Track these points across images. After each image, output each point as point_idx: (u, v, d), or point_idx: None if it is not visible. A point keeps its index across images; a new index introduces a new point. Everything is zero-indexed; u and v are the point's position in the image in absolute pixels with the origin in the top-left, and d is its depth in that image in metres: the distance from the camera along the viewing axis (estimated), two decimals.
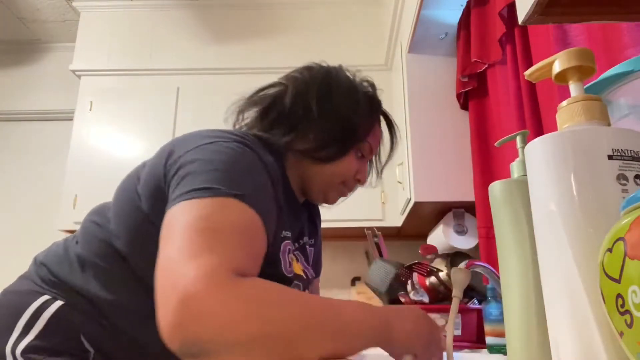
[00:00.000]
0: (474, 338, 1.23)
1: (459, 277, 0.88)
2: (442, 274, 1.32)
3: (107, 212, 0.72)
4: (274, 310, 0.48)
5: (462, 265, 0.92)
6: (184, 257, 0.49)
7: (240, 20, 2.72)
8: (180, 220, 0.54)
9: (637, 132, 0.43)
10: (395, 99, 2.26)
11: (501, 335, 0.95)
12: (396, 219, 2.31)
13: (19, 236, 2.88)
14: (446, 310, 1.20)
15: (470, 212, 1.87)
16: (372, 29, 2.64)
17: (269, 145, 0.75)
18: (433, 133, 1.89)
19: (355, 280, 2.54)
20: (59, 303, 0.66)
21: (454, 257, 1.85)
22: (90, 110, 2.55)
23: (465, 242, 1.87)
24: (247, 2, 2.74)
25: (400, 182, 2.13)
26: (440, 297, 1.38)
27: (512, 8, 1.35)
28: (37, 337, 0.63)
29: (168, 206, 0.58)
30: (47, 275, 0.69)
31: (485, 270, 0.96)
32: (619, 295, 0.31)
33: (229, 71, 2.56)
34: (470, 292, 1.43)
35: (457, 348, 1.17)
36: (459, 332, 1.22)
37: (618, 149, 0.41)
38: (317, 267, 0.99)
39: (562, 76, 0.49)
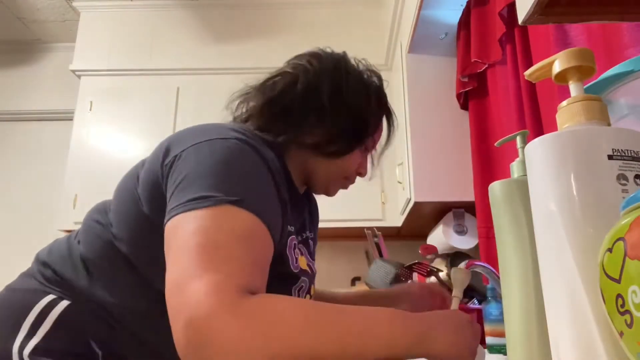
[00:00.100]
0: None
1: (459, 277, 0.88)
2: (442, 274, 1.32)
3: (109, 211, 0.71)
4: (282, 329, 0.47)
5: (462, 265, 0.92)
6: (187, 277, 0.48)
7: (240, 20, 2.72)
8: (180, 237, 0.53)
9: (637, 132, 0.43)
10: (395, 99, 2.26)
11: (501, 335, 0.95)
12: (396, 219, 2.31)
13: (19, 236, 2.88)
14: None
15: (470, 212, 1.87)
16: (372, 29, 2.64)
17: (270, 140, 0.72)
18: (433, 133, 1.89)
19: (355, 280, 2.54)
20: (65, 303, 0.65)
21: (454, 257, 1.85)
22: (90, 110, 2.55)
23: (465, 242, 1.87)
24: (247, 2, 2.74)
25: (400, 182, 2.13)
26: None
27: (512, 8, 1.35)
28: (44, 338, 0.62)
29: (166, 217, 0.57)
30: (52, 275, 0.68)
31: (485, 270, 0.96)
32: (619, 295, 0.31)
33: (229, 71, 2.55)
34: (470, 292, 1.43)
35: None
36: None
37: (618, 149, 0.41)
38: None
39: (562, 76, 0.48)
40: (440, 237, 1.91)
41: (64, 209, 2.37)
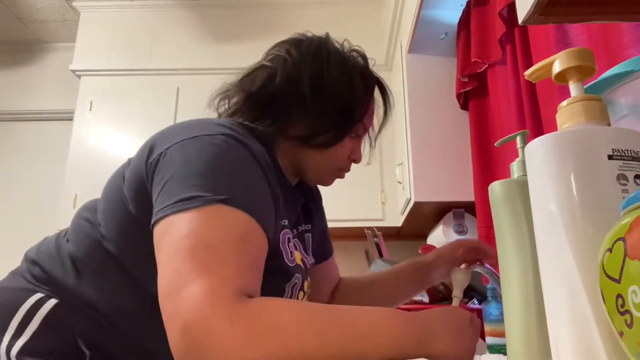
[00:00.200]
0: None
1: (459, 277, 0.88)
2: None
3: (98, 210, 0.69)
4: (280, 334, 0.47)
5: (462, 265, 0.92)
6: (181, 282, 0.48)
7: (240, 20, 2.72)
8: (171, 240, 0.51)
9: (637, 132, 0.43)
10: (395, 99, 2.25)
11: (501, 335, 0.95)
12: (396, 219, 2.31)
13: (19, 236, 2.88)
14: None
15: (470, 212, 1.87)
16: (372, 29, 2.64)
17: (258, 132, 0.70)
18: (433, 133, 1.89)
19: None
20: (53, 301, 0.63)
21: None
22: (90, 110, 2.55)
23: None
24: (247, 2, 2.74)
25: (400, 182, 2.13)
26: (440, 297, 1.38)
27: (512, 8, 1.35)
28: (31, 337, 0.61)
29: (154, 218, 0.55)
30: (40, 273, 0.67)
31: (485, 270, 0.96)
32: (619, 295, 0.31)
33: (229, 71, 2.51)
34: (470, 292, 1.43)
35: None
36: None
37: (618, 149, 0.41)
38: (325, 248, 0.96)
39: (562, 76, 0.48)
40: (440, 237, 1.91)
41: (64, 209, 2.37)
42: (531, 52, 1.27)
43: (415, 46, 1.96)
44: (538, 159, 0.46)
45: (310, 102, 0.73)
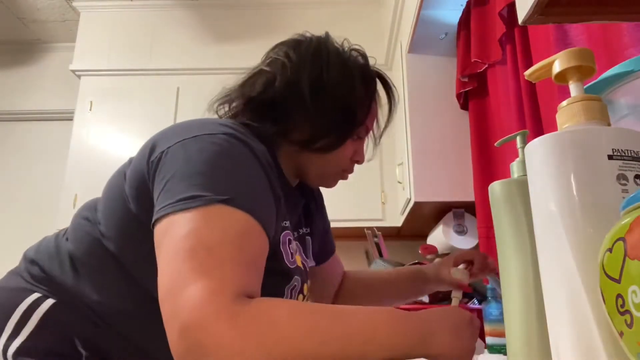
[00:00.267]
0: None
1: (458, 278, 0.88)
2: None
3: (98, 209, 0.69)
4: (280, 336, 0.46)
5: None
6: (181, 283, 0.48)
7: (240, 20, 2.72)
8: (171, 240, 0.51)
9: (637, 132, 0.43)
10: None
11: (501, 335, 0.95)
12: (396, 219, 2.31)
13: (19, 236, 2.88)
14: None
15: (470, 212, 1.87)
16: (372, 29, 2.64)
17: (259, 132, 0.69)
18: (433, 133, 1.89)
19: None
20: (50, 301, 0.63)
21: None
22: (90, 110, 2.56)
23: (465, 242, 1.87)
24: (247, 2, 2.74)
25: (400, 182, 2.13)
26: (440, 297, 1.38)
27: (512, 8, 1.35)
28: (28, 337, 0.61)
29: (154, 217, 0.55)
30: (39, 273, 0.66)
31: (496, 282, 0.96)
32: (619, 295, 0.31)
33: (229, 71, 2.52)
34: (470, 292, 1.43)
35: None
36: None
37: (618, 149, 0.41)
38: (328, 247, 0.97)
39: (562, 76, 0.48)
40: (440, 237, 1.91)
41: (64, 209, 2.37)
42: (531, 52, 1.27)
43: (415, 46, 1.96)
44: (538, 159, 0.46)
45: (310, 104, 0.72)
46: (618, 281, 0.31)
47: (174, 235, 0.52)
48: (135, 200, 0.64)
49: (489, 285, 1.04)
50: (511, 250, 0.60)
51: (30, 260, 0.69)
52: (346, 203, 2.22)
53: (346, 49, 0.79)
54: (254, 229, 0.55)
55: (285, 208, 0.70)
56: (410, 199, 1.90)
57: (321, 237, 0.93)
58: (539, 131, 1.22)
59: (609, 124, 0.46)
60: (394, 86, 0.85)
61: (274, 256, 0.66)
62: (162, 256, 0.52)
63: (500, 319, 0.95)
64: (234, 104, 0.78)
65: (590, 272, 0.39)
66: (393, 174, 2.25)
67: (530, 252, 0.57)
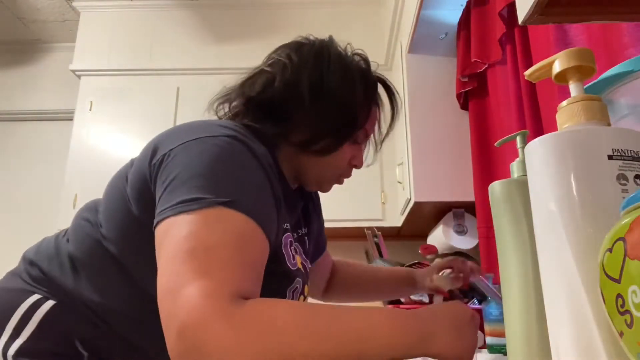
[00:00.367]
0: None
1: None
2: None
3: (99, 211, 0.69)
4: (278, 336, 0.46)
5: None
6: (179, 284, 0.48)
7: (240, 20, 2.72)
8: (171, 241, 0.51)
9: (637, 132, 0.43)
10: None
11: (501, 335, 0.95)
12: (396, 219, 2.31)
13: (18, 236, 2.88)
14: None
15: (470, 212, 1.87)
16: (372, 29, 2.64)
17: (261, 135, 0.69)
18: (433, 133, 1.89)
19: None
20: (50, 303, 0.63)
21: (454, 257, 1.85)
22: (90, 110, 2.56)
23: (465, 242, 1.87)
24: (246, 2, 2.74)
25: (400, 182, 2.13)
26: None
27: (512, 8, 1.35)
28: (28, 339, 0.61)
29: (156, 219, 0.56)
30: (38, 274, 0.66)
31: (482, 284, 0.97)
32: (619, 295, 0.31)
33: (229, 71, 2.52)
34: (471, 292, 1.43)
35: None
36: None
37: (618, 149, 0.41)
38: (320, 244, 0.98)
39: (562, 76, 0.48)
40: (440, 237, 1.91)
41: (64, 209, 2.37)
42: (531, 52, 1.27)
43: (415, 46, 1.96)
44: (538, 159, 0.46)
45: (309, 105, 0.72)
46: (618, 281, 0.31)
47: (174, 236, 0.52)
48: (136, 203, 0.64)
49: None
50: (511, 250, 0.60)
51: (29, 261, 0.69)
52: (346, 203, 2.22)
53: (349, 53, 0.79)
54: (254, 231, 0.55)
55: (286, 210, 0.70)
56: (410, 199, 1.90)
57: (317, 236, 0.94)
58: (539, 131, 1.22)
59: (609, 124, 0.46)
60: (397, 92, 0.85)
61: (276, 258, 0.66)
62: (161, 257, 0.52)
63: (500, 319, 0.95)
64: (233, 104, 0.78)
65: (590, 272, 0.39)
66: (393, 174, 2.25)
67: (530, 252, 0.57)
